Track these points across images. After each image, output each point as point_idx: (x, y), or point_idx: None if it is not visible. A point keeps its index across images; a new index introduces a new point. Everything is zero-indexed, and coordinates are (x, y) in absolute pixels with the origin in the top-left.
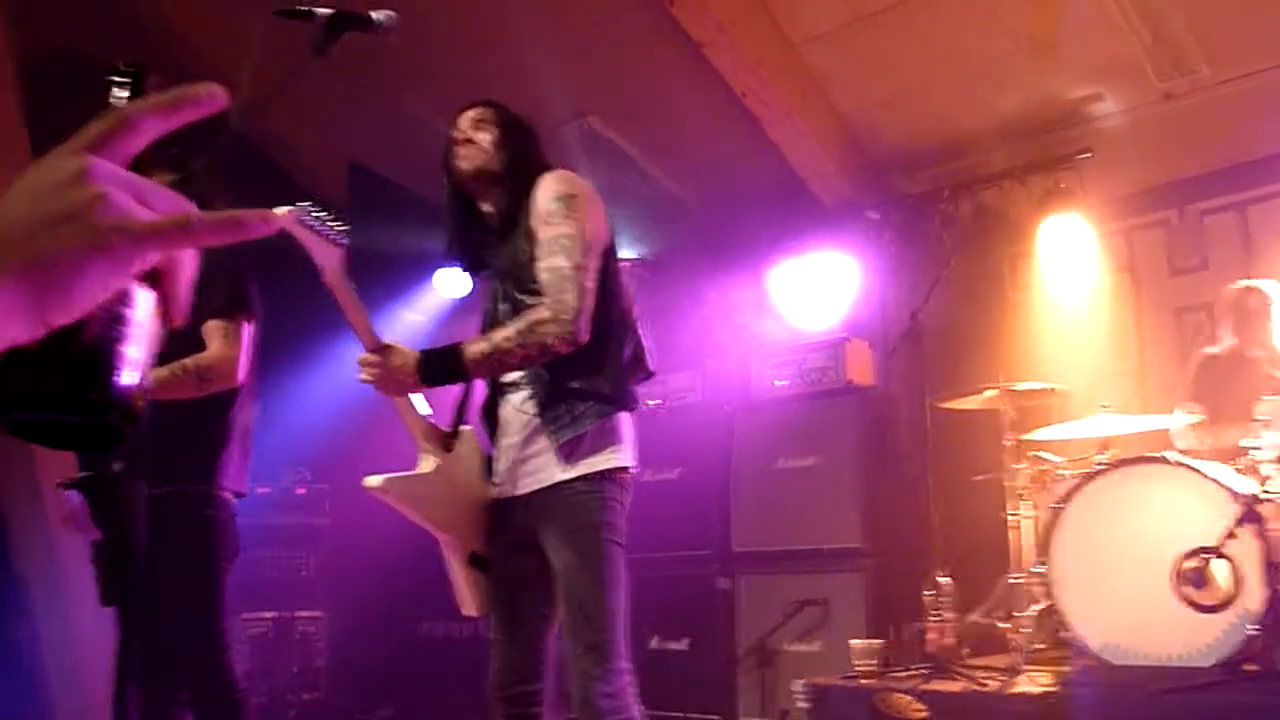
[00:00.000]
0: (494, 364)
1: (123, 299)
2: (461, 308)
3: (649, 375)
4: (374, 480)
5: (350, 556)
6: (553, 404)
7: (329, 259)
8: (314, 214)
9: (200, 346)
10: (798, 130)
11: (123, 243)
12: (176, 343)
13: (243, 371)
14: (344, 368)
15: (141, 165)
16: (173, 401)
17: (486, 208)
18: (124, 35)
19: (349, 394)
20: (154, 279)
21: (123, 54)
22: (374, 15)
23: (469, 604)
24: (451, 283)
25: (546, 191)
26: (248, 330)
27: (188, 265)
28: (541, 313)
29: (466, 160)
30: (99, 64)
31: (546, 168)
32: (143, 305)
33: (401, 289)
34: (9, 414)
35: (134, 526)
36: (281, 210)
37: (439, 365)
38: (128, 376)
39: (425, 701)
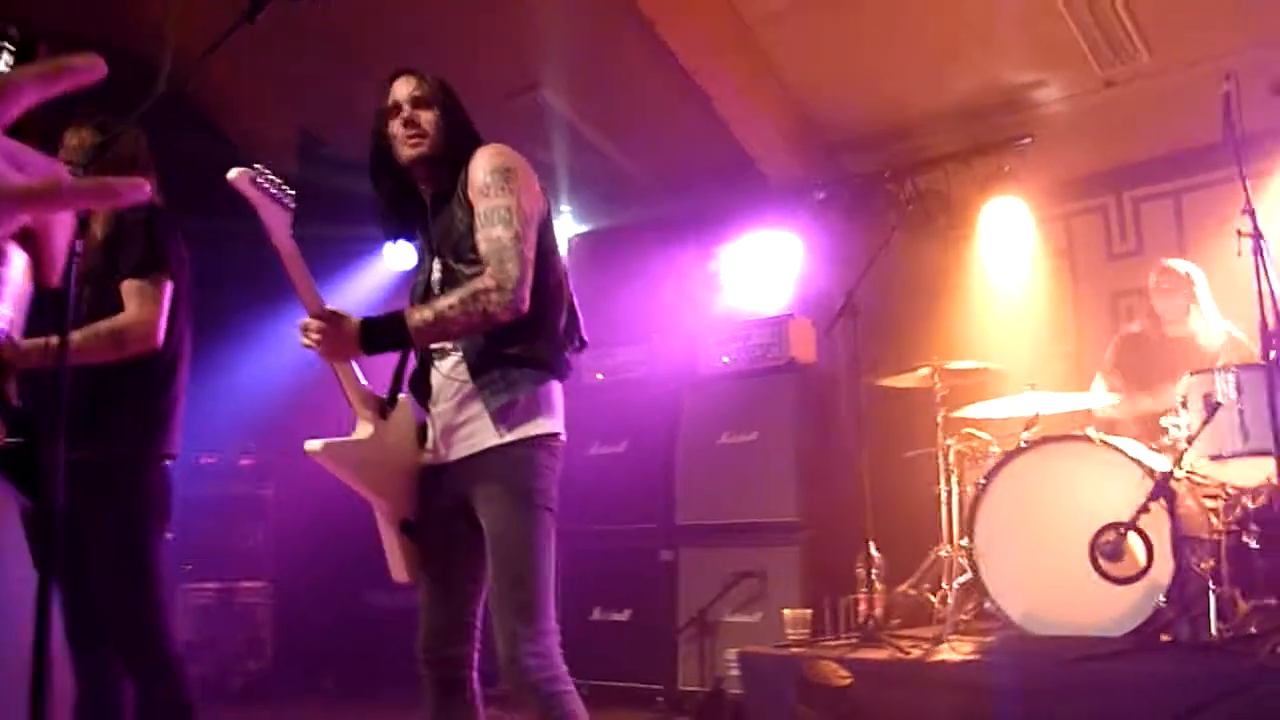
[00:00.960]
0: (437, 331)
1: None
2: (408, 280)
3: (583, 345)
4: (314, 444)
5: (294, 527)
6: (486, 369)
7: (278, 222)
8: (265, 176)
9: (120, 307)
10: (748, 109)
11: None
12: (95, 303)
13: (161, 332)
14: (288, 338)
15: (64, 127)
16: (101, 364)
17: (423, 185)
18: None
19: (293, 364)
20: (27, 240)
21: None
22: None
23: (400, 570)
24: (400, 255)
25: (483, 164)
26: (168, 289)
27: (62, 228)
28: (485, 281)
29: (416, 148)
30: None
31: (479, 140)
32: (15, 265)
33: (350, 261)
34: None
35: (51, 491)
36: (234, 171)
37: (381, 332)
38: None
39: (369, 671)
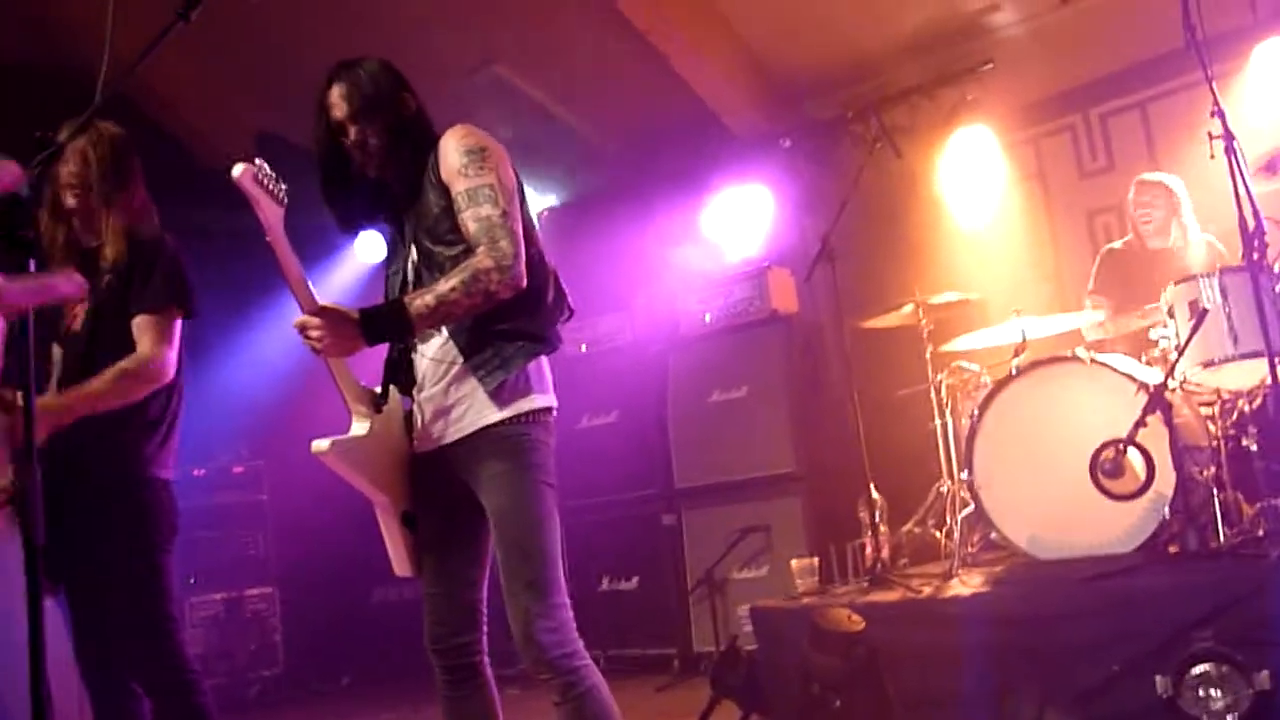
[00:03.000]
0: (440, 316)
1: None
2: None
3: (570, 314)
4: (321, 444)
5: (294, 530)
6: (479, 348)
7: (274, 218)
8: (264, 171)
9: (131, 342)
10: (704, 64)
11: None
12: (108, 340)
13: (172, 368)
14: (268, 343)
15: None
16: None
17: (387, 178)
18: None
19: (272, 367)
20: None
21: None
22: None
23: (403, 564)
24: (371, 248)
25: (455, 145)
26: (178, 324)
27: None
28: (483, 261)
29: (370, 169)
30: None
31: (429, 127)
32: None
33: (319, 256)
34: None
35: (34, 515)
36: (239, 167)
37: (383, 322)
38: None
39: (383, 666)
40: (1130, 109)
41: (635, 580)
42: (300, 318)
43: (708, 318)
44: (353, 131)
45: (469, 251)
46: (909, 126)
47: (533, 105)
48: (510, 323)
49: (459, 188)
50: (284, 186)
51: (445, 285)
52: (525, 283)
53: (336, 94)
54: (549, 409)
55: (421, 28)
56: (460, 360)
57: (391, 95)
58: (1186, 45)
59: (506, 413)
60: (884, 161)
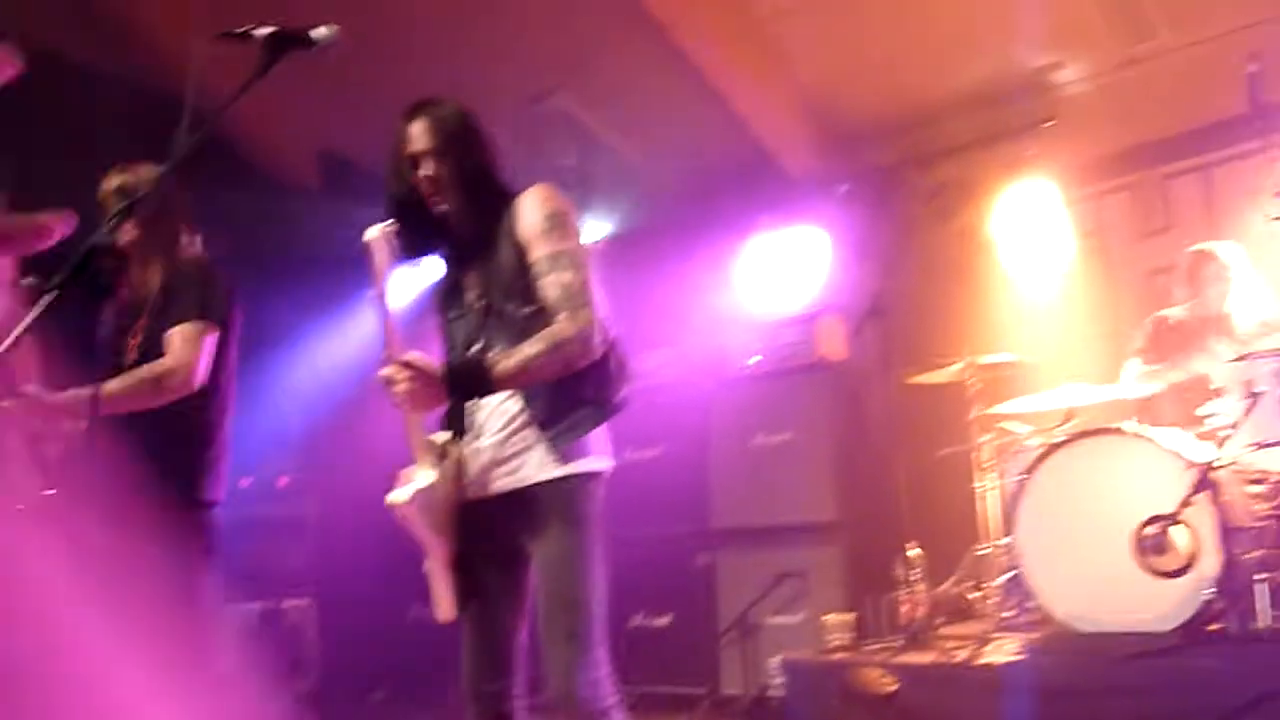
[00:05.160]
0: (522, 380)
1: None
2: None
3: (633, 379)
4: (401, 495)
5: (337, 544)
6: (549, 409)
7: (386, 274)
8: (392, 235)
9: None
10: (764, 104)
11: None
12: (146, 355)
13: (200, 376)
14: (324, 357)
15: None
16: (156, 410)
17: (458, 223)
18: (92, 33)
19: (329, 384)
20: None
21: (90, 52)
22: (313, 33)
23: (448, 609)
24: (395, 299)
25: (538, 207)
26: (211, 337)
27: None
28: (566, 329)
29: (439, 206)
30: (74, 64)
31: (498, 176)
32: None
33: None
34: None
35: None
36: (373, 232)
37: (467, 382)
38: None
39: (419, 684)
40: (1193, 171)
41: (668, 617)
42: (386, 370)
43: (755, 360)
44: (428, 165)
45: (541, 313)
46: (967, 179)
47: (593, 137)
48: (580, 387)
49: (542, 251)
50: (399, 242)
51: (530, 351)
52: (600, 353)
53: (417, 128)
54: (603, 472)
55: (487, 55)
56: (525, 415)
57: (469, 138)
58: (1249, 117)
59: (565, 470)
60: (940, 213)
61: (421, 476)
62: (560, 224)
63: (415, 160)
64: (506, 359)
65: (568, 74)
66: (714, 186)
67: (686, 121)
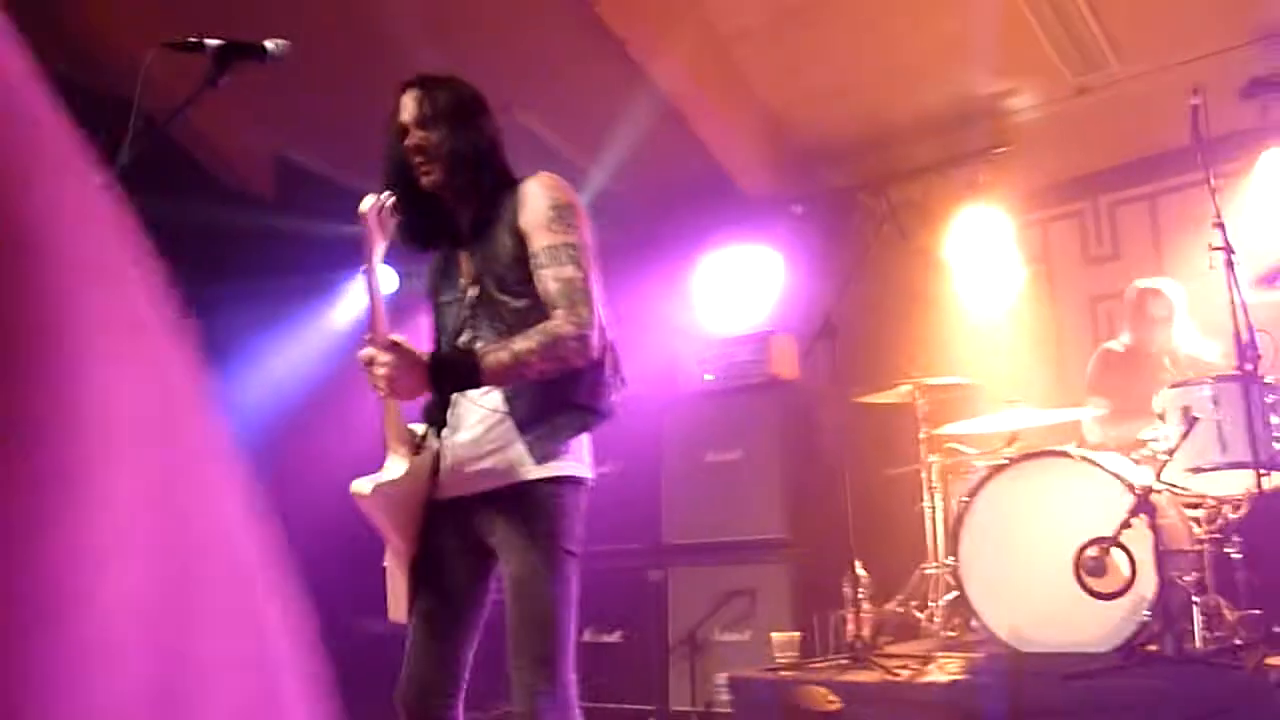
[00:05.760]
0: (512, 375)
1: None
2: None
3: (624, 385)
4: (363, 486)
5: (282, 552)
6: (531, 409)
7: (378, 251)
8: (388, 206)
9: None
10: (724, 125)
11: None
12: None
13: None
14: (270, 365)
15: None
16: None
17: (455, 204)
18: (57, 44)
19: (276, 393)
20: None
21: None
22: (267, 45)
23: (401, 610)
24: (385, 279)
25: (542, 196)
26: None
27: None
28: (564, 327)
29: (427, 176)
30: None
31: (507, 163)
32: None
33: (330, 283)
34: None
35: None
36: (368, 201)
37: (453, 372)
38: None
39: (366, 698)
40: (1139, 200)
41: (618, 633)
42: (368, 350)
43: (708, 377)
44: (414, 134)
45: (536, 308)
46: (920, 202)
47: (550, 151)
48: (568, 389)
49: (542, 242)
50: (395, 219)
51: (523, 345)
52: (598, 353)
53: (408, 98)
54: (584, 479)
55: (447, 66)
56: (505, 412)
57: (465, 113)
58: (1192, 149)
59: (541, 473)
60: (892, 236)
61: (390, 468)
62: (566, 216)
63: (404, 130)
64: (497, 351)
65: (527, 87)
66: (670, 203)
67: (644, 138)
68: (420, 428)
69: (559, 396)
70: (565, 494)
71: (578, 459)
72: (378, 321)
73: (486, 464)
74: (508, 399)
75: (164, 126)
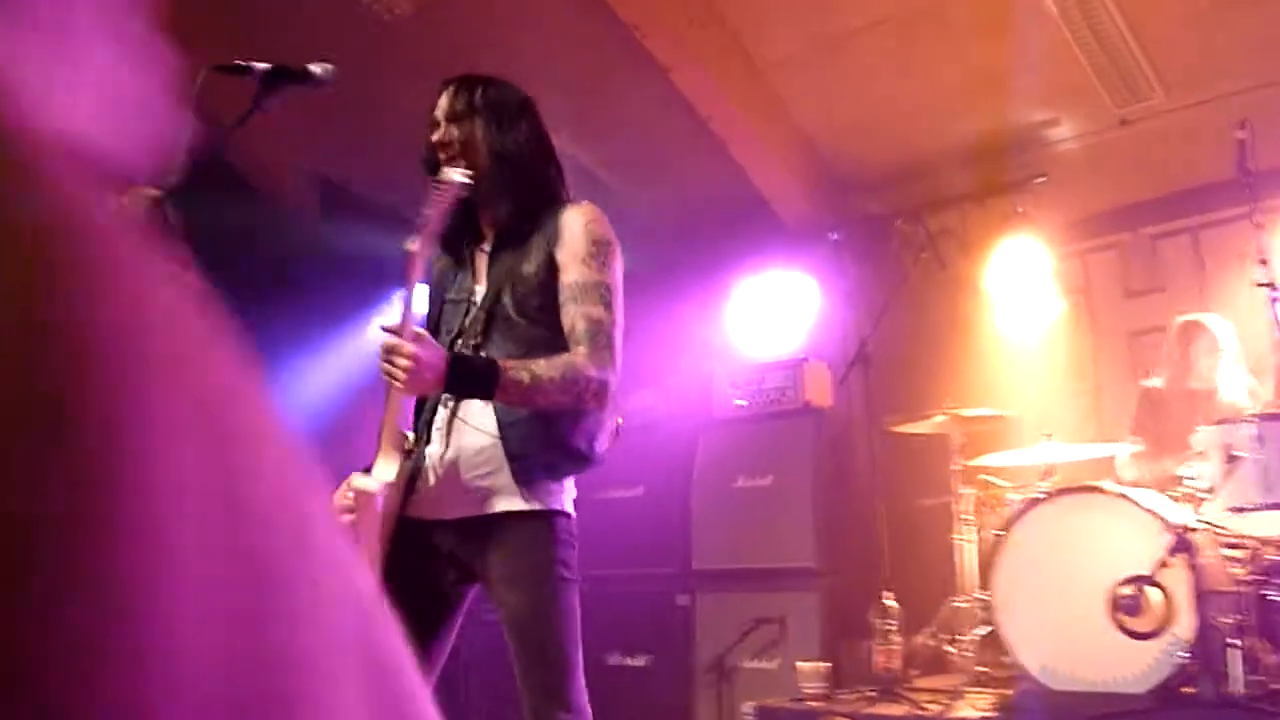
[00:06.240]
0: (524, 396)
1: None
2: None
3: (619, 435)
4: (369, 484)
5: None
6: (528, 446)
7: (418, 283)
8: (427, 253)
9: None
10: (761, 151)
11: None
12: None
13: None
14: (306, 381)
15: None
16: None
17: (481, 209)
18: None
19: (311, 408)
20: None
21: None
22: (312, 69)
23: None
24: (420, 299)
25: (584, 228)
26: None
27: None
28: (587, 366)
29: (453, 166)
30: None
31: (545, 159)
32: None
33: (372, 301)
34: None
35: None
36: (452, 173)
37: (472, 375)
38: None
39: None
40: (1182, 233)
41: (644, 658)
42: (392, 339)
43: (740, 403)
44: (441, 129)
45: (553, 338)
46: (958, 232)
47: (589, 173)
48: (566, 431)
49: (575, 276)
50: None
51: (545, 370)
52: (611, 400)
53: (444, 94)
54: (569, 514)
55: None
56: (497, 437)
57: (504, 114)
58: (1237, 183)
59: (532, 505)
60: (930, 265)
61: (385, 468)
62: (603, 254)
63: (435, 124)
64: (518, 369)
65: (567, 110)
66: (706, 228)
67: (682, 163)
68: (409, 433)
69: (556, 436)
70: (559, 523)
71: (564, 493)
72: (406, 321)
73: (476, 490)
74: (502, 426)
75: (215, 147)
